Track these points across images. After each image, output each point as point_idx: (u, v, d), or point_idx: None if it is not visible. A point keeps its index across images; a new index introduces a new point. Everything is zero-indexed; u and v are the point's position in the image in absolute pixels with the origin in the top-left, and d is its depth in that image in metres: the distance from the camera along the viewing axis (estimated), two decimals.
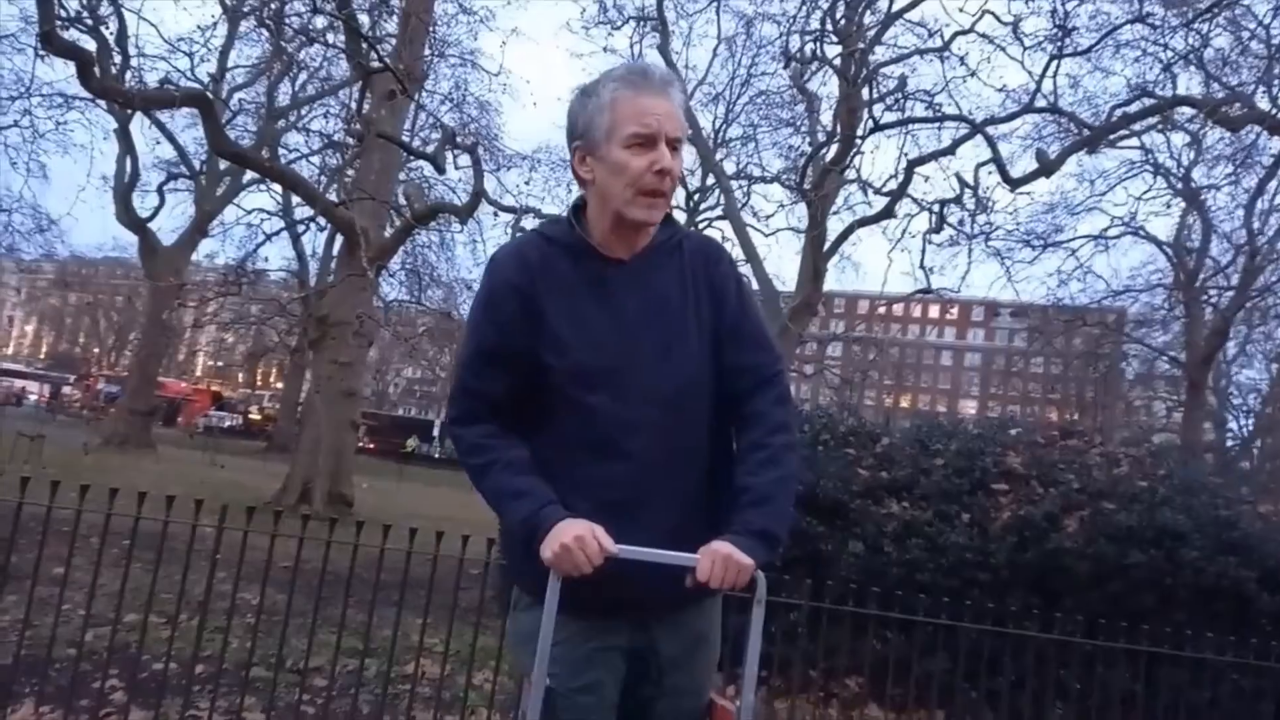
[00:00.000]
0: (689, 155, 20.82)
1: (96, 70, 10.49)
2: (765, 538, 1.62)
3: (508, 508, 1.65)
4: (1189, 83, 14.66)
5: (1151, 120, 15.38)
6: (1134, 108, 14.57)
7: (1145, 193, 20.49)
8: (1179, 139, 18.62)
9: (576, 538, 1.53)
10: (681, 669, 1.76)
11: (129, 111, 18.42)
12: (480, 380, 1.72)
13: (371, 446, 33.00)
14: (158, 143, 22.95)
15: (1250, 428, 30.07)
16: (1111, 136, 15.48)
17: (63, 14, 10.60)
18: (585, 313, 1.68)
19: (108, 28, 12.48)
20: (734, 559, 1.55)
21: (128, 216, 22.54)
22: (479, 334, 1.74)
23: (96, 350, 57.43)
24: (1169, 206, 21.80)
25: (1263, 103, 13.54)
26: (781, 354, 1.83)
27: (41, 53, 11.24)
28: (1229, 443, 28.31)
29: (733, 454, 1.75)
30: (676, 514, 1.68)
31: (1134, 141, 17.90)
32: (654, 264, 1.74)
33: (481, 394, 1.72)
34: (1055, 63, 13.85)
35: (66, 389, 49.68)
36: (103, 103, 17.41)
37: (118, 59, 12.99)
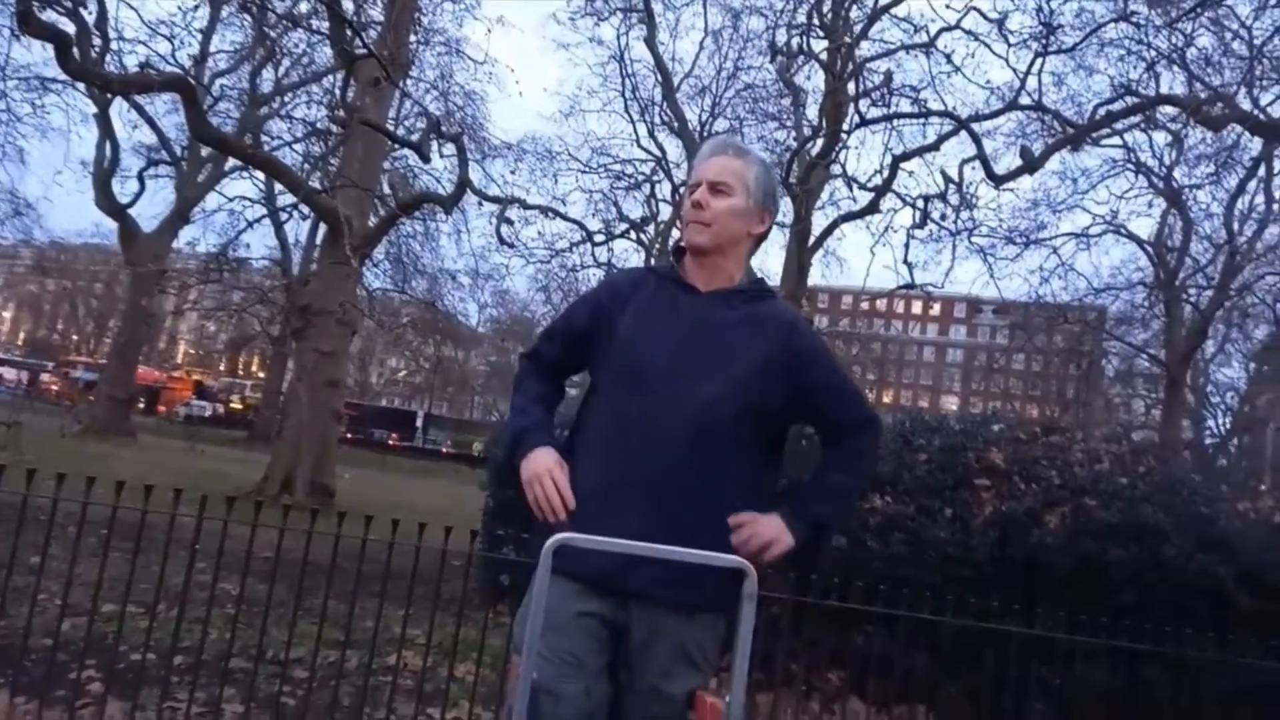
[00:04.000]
0: (675, 148, 20.80)
1: (75, 52, 10.35)
2: (817, 525, 1.92)
3: (512, 422, 2.03)
4: (1172, 82, 14.76)
5: (1134, 119, 15.49)
6: (1117, 106, 14.66)
7: (1127, 191, 20.66)
8: (1161, 138, 18.78)
9: (535, 475, 1.84)
10: (651, 669, 1.82)
11: (108, 95, 18.21)
12: (547, 345, 2.12)
13: (350, 437, 32.73)
14: (135, 127, 22.68)
15: (1228, 426, 30.42)
16: (1094, 135, 15.58)
17: None
18: (650, 320, 1.95)
19: (87, 9, 12.31)
20: (766, 531, 1.82)
21: (107, 202, 22.25)
22: (564, 316, 2.15)
23: (76, 337, 56.83)
24: (1150, 206, 22.01)
25: (1244, 103, 13.64)
26: (868, 404, 2.11)
27: (18, 34, 11.07)
28: (1207, 440, 28.62)
29: (755, 494, 1.93)
30: (673, 519, 1.80)
31: (1116, 140, 18.05)
32: (726, 302, 1.98)
33: (543, 355, 2.12)
34: (1040, 60, 13.95)
35: (45, 375, 49.13)
36: (81, 86, 17.17)
37: (97, 42, 12.81)
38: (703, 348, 1.90)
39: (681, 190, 23.02)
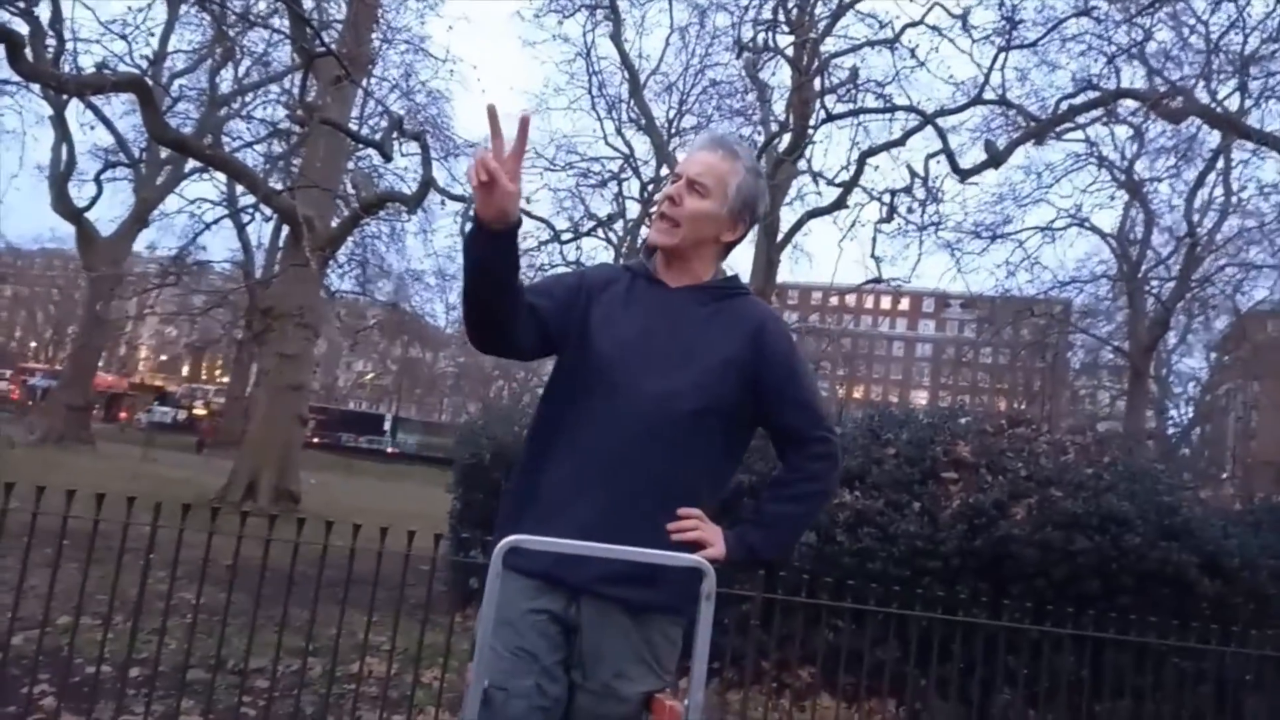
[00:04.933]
0: (643, 145, 20.79)
1: (28, 53, 10.11)
2: (750, 550, 1.88)
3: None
4: (1132, 76, 14.98)
5: (1096, 113, 15.68)
6: (1079, 100, 14.83)
7: (1090, 185, 21.00)
8: (1122, 132, 19.05)
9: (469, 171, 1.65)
10: (603, 668, 1.79)
11: (64, 97, 17.82)
12: (537, 291, 1.91)
13: (315, 441, 32.30)
14: (92, 128, 22.23)
15: (1190, 415, 30.94)
16: (1058, 129, 15.75)
17: None
18: (618, 314, 1.91)
19: (38, 8, 12.05)
20: (707, 532, 1.82)
21: (64, 206, 21.79)
22: (548, 279, 2.07)
23: (34, 344, 55.79)
24: (1113, 198, 22.30)
25: (1202, 96, 13.84)
26: (827, 417, 2.03)
27: None
28: (1170, 430, 29.09)
29: (712, 492, 1.94)
30: (625, 511, 1.78)
31: (1079, 134, 18.24)
32: (694, 299, 1.94)
33: (534, 291, 1.90)
34: (1003, 55, 14.07)
35: (2, 384, 48.13)
36: (36, 87, 16.80)
37: (51, 42, 12.54)
38: (667, 342, 1.87)
39: (650, 187, 23.06)
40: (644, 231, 22.84)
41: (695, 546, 1.78)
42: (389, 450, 43.17)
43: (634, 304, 1.93)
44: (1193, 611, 4.36)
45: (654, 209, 1.98)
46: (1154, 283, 22.88)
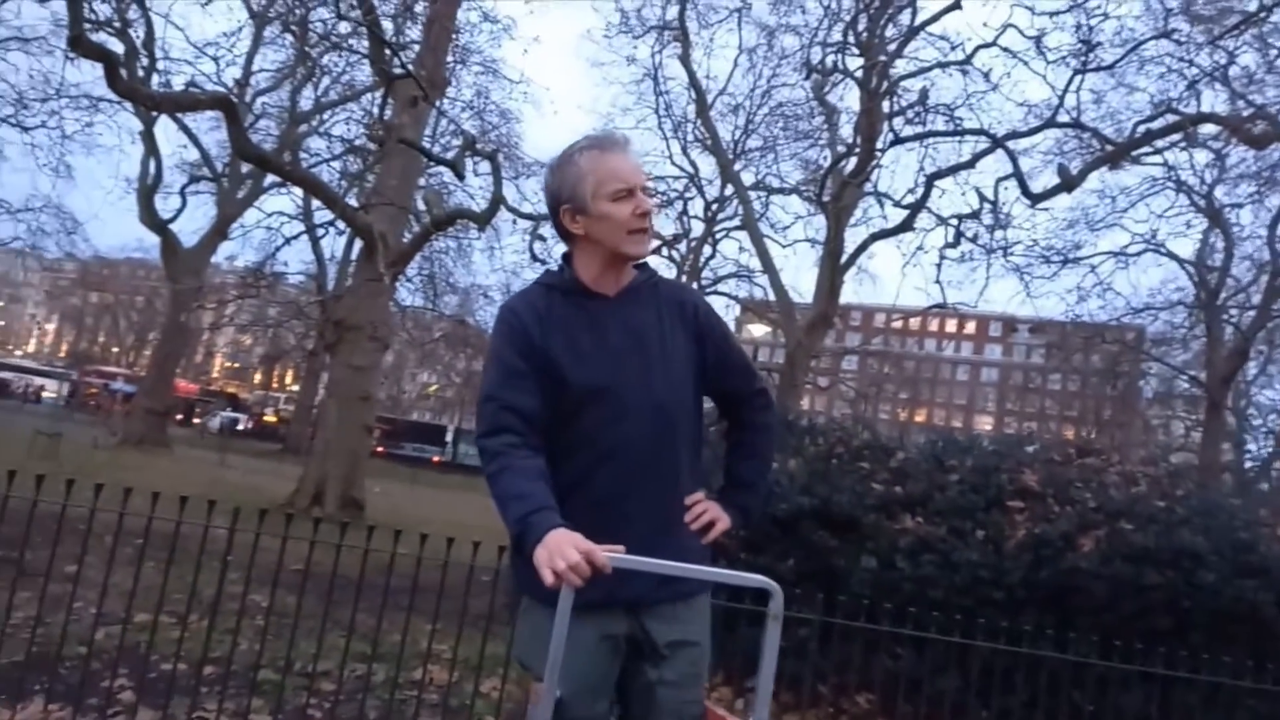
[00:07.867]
0: (708, 165, 20.88)
1: (123, 73, 10.61)
2: (744, 512, 2.09)
3: (508, 509, 1.77)
4: (1214, 100, 14.59)
5: (1175, 137, 15.28)
6: (1157, 124, 14.48)
7: (1167, 210, 20.30)
8: (1202, 156, 18.47)
9: (572, 566, 1.60)
10: (676, 659, 1.91)
11: (154, 114, 18.60)
12: (509, 391, 1.89)
13: (380, 450, 32.74)
14: (185, 148, 23.08)
15: (1270, 449, 29.73)
16: (1134, 153, 15.38)
17: (92, 17, 10.74)
18: (581, 343, 1.93)
19: (135, 31, 12.65)
20: (713, 510, 2.01)
21: (150, 218, 22.68)
22: (501, 359, 1.93)
23: (116, 350, 57.88)
24: (1187, 227, 21.60)
25: None
26: (758, 373, 2.22)
27: (70, 55, 11.40)
28: (1247, 464, 28.01)
29: (701, 462, 2.10)
30: (661, 509, 1.94)
31: (1157, 158, 17.76)
32: (635, 300, 2.00)
33: (509, 405, 1.87)
34: (1079, 78, 13.83)
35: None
36: (129, 105, 17.58)
37: (144, 62, 13.16)
38: (642, 356, 1.94)
39: (714, 206, 23.11)
40: (681, 248, 22.93)
41: (708, 528, 1.98)
42: (434, 459, 43.33)
43: (591, 325, 1.94)
44: (1269, 651, 4.22)
45: (624, 222, 1.93)
46: (1233, 311, 22.11)
